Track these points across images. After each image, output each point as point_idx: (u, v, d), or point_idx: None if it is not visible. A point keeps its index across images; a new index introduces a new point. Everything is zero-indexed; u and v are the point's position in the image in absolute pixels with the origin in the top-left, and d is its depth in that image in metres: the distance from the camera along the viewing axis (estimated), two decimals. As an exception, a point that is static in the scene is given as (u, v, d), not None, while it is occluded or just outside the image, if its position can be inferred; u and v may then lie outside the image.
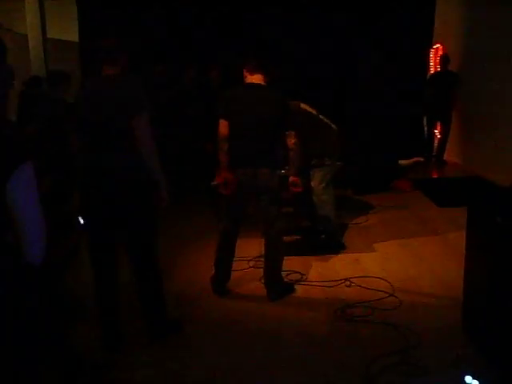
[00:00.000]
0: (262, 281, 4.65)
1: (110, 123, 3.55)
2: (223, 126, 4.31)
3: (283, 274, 4.74)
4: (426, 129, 9.79)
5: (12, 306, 2.13)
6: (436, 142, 9.76)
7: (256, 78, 4.37)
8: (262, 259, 4.80)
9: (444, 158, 9.55)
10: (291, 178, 4.60)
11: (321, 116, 5.61)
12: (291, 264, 5.13)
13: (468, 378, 3.09)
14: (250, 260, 5.31)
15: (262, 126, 4.27)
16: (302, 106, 5.59)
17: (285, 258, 5.03)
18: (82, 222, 3.91)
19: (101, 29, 8.32)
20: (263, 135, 4.29)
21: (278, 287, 4.60)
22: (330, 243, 5.65)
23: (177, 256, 5.49)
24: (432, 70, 9.94)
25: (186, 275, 5.10)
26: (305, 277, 4.99)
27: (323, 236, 5.71)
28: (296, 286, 4.78)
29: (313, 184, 5.57)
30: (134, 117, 3.51)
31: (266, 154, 4.31)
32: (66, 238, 4.53)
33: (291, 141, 4.45)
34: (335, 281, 4.84)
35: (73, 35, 8.94)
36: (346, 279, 4.84)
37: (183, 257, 5.54)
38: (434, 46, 9.80)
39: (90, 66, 7.93)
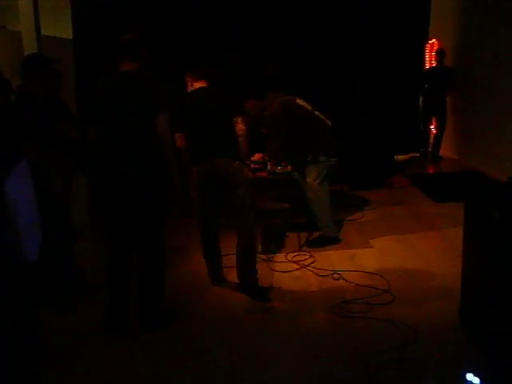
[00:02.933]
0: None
1: (129, 120, 3.74)
2: (180, 139, 4.50)
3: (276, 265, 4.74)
4: (421, 124, 9.77)
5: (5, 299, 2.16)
6: (432, 137, 9.76)
7: (199, 83, 4.61)
8: (258, 255, 4.90)
9: (440, 154, 9.55)
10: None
11: (316, 112, 5.60)
12: (289, 261, 5.13)
13: (469, 376, 3.08)
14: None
15: (212, 121, 4.47)
16: (298, 101, 5.58)
17: (282, 254, 5.02)
18: None
19: (95, 26, 8.30)
20: (216, 128, 4.47)
21: (252, 289, 4.55)
22: (326, 239, 5.64)
23: (173, 253, 5.49)
24: (427, 65, 9.92)
25: (182, 271, 5.09)
26: (301, 273, 4.97)
27: (319, 232, 5.70)
28: (293, 283, 4.76)
29: (308, 180, 5.56)
30: (155, 115, 3.70)
31: (221, 144, 4.47)
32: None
33: (238, 126, 4.52)
34: (332, 277, 4.83)
35: (67, 32, 8.90)
36: (342, 275, 4.83)
37: (179, 253, 5.53)
38: (430, 41, 9.78)
39: (85, 64, 8.00)
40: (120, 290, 4.02)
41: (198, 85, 4.62)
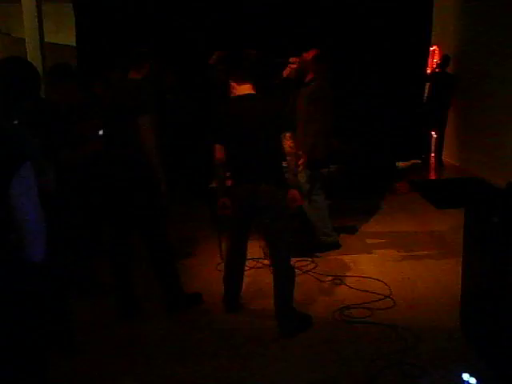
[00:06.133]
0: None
1: (122, 121, 4.18)
2: (218, 151, 4.12)
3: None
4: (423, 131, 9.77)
5: (12, 301, 2.19)
6: (433, 143, 9.78)
7: (244, 89, 4.06)
8: (260, 261, 5.05)
9: (441, 160, 9.56)
10: (289, 193, 4.07)
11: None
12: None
13: (465, 376, 3.11)
14: (248, 260, 5.33)
15: (258, 139, 3.98)
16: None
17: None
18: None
19: (98, 33, 8.35)
20: (262, 148, 3.98)
21: (291, 321, 4.09)
22: (325, 245, 5.64)
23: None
24: (429, 72, 9.93)
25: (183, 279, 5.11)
26: (303, 278, 4.98)
27: (320, 237, 5.69)
28: (294, 288, 4.77)
29: (300, 179, 5.49)
30: (139, 116, 4.07)
31: (267, 168, 4.01)
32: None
33: (287, 143, 3.99)
34: (333, 282, 4.85)
35: (70, 39, 8.95)
36: (343, 281, 4.86)
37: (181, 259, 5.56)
38: (431, 48, 9.80)
39: (89, 70, 8.04)
40: (123, 279, 4.41)
41: (242, 89, 4.06)
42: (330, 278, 4.96)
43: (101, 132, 4.52)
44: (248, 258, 5.33)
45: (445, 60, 9.29)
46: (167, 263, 4.40)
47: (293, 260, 5.28)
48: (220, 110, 4.18)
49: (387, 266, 5.20)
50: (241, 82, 4.06)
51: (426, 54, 9.53)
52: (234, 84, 4.10)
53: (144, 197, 4.19)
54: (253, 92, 4.07)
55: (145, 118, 4.09)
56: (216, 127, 4.17)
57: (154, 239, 4.33)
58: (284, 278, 4.12)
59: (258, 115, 4.00)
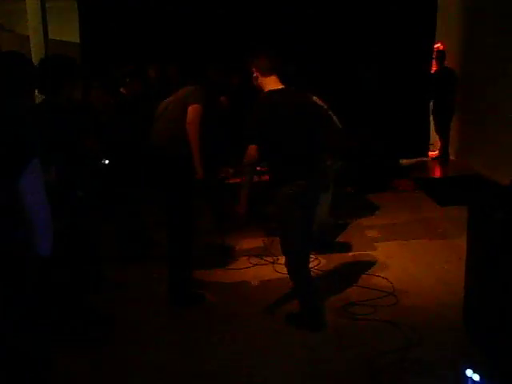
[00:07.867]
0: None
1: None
2: (253, 150, 3.84)
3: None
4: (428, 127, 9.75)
5: (18, 295, 2.22)
6: (438, 141, 9.74)
7: (271, 81, 3.93)
8: (263, 257, 5.09)
9: (447, 158, 9.52)
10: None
11: (330, 112, 5.51)
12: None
13: (469, 372, 3.11)
14: (251, 256, 5.37)
15: (304, 135, 3.93)
16: (314, 98, 5.50)
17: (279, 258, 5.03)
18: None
19: (102, 30, 8.37)
20: (307, 144, 3.94)
21: None
22: (323, 241, 5.63)
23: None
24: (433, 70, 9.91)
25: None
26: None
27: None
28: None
29: None
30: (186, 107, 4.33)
31: (315, 163, 4.01)
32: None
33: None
34: (337, 279, 4.86)
35: (74, 36, 8.97)
36: (346, 277, 4.86)
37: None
38: (435, 46, 9.77)
39: (93, 67, 8.05)
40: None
41: (270, 82, 3.92)
42: (333, 274, 4.96)
43: None
44: (251, 254, 5.41)
45: (439, 55, 9.25)
46: (186, 263, 4.50)
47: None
48: (260, 108, 3.92)
49: (391, 263, 5.19)
50: (266, 73, 3.93)
51: (430, 51, 9.51)
52: (257, 74, 3.96)
53: (176, 195, 4.42)
54: (283, 87, 3.96)
55: (192, 108, 4.31)
56: (255, 125, 3.90)
57: (180, 235, 4.46)
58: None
59: (301, 111, 3.95)
